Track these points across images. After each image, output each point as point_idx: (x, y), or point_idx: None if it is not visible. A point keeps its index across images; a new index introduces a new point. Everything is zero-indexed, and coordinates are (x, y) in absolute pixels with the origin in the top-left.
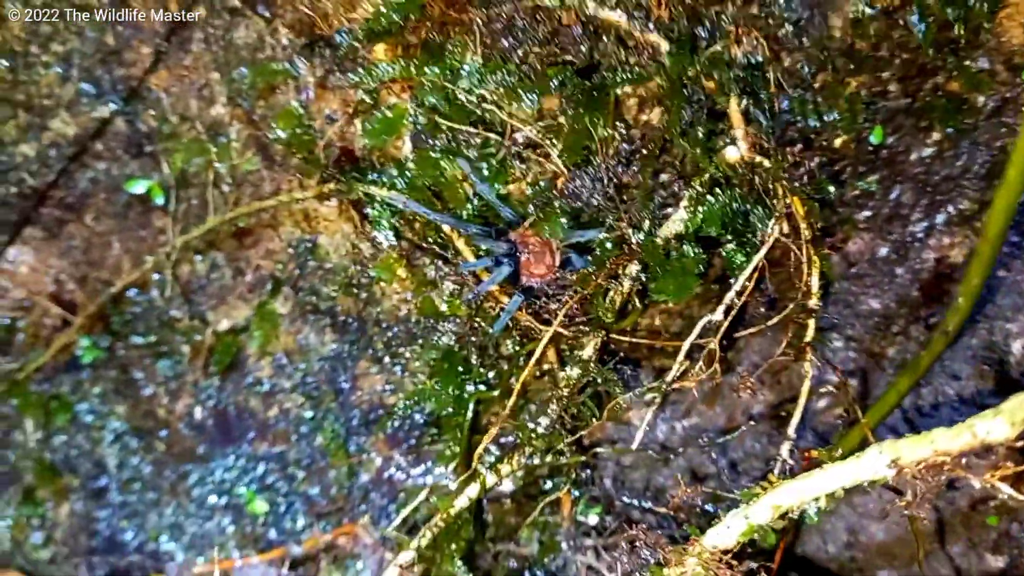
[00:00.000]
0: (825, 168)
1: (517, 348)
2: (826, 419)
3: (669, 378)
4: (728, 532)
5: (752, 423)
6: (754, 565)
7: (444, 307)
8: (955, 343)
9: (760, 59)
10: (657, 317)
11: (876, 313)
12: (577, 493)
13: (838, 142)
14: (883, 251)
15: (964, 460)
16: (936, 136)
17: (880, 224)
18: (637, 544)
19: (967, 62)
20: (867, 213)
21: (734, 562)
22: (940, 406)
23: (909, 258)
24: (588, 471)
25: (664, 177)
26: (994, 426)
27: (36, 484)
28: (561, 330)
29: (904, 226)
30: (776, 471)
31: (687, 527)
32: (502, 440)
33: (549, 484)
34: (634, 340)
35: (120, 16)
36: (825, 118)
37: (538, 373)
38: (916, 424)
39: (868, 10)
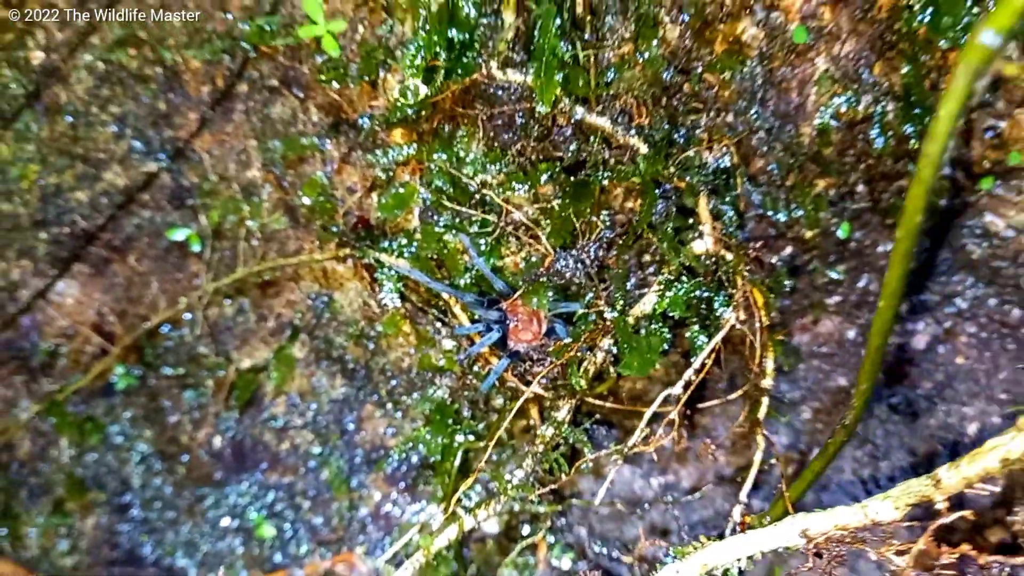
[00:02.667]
0: (796, 257)
1: (507, 404)
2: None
3: (630, 443)
4: None
5: (717, 484)
6: None
7: (442, 362)
8: (915, 422)
9: (729, 164)
10: (639, 381)
11: (843, 389)
12: (552, 539)
13: (808, 234)
14: (851, 334)
15: (862, 535)
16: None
17: (848, 309)
18: None
19: None
20: (836, 298)
21: None
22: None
23: None
24: (564, 519)
25: (647, 258)
26: (882, 508)
27: (66, 496)
28: (542, 392)
29: (871, 312)
30: (727, 531)
31: None
32: (490, 485)
33: (528, 529)
34: (607, 405)
35: (172, 86)
36: (793, 214)
37: (525, 427)
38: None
39: (833, 123)
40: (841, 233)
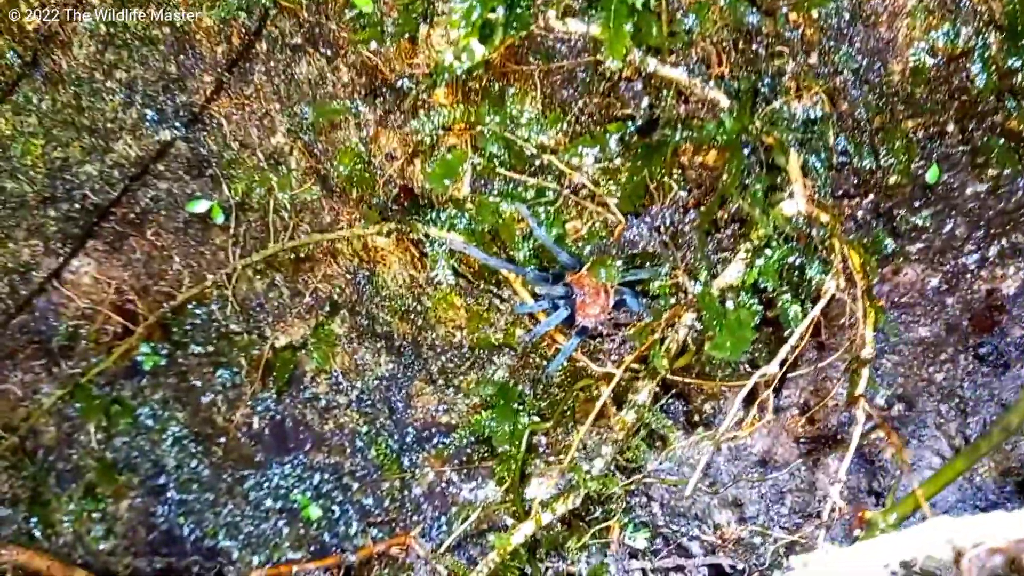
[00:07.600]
0: (879, 204)
1: (569, 380)
2: (866, 443)
3: (723, 428)
4: None
5: (798, 459)
6: None
7: (500, 337)
8: (1006, 372)
9: (820, 114)
10: None
11: (925, 341)
12: (626, 518)
13: (892, 180)
14: (934, 282)
15: None
16: (992, 172)
17: (932, 256)
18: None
19: None
20: (919, 245)
21: None
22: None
23: (960, 288)
24: (635, 497)
25: (722, 214)
26: None
27: (97, 481)
28: (615, 371)
29: (956, 258)
30: (825, 514)
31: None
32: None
33: (599, 511)
34: (687, 381)
35: (183, 48)
36: (881, 160)
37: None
38: (960, 450)
39: (929, 59)
40: (930, 177)
